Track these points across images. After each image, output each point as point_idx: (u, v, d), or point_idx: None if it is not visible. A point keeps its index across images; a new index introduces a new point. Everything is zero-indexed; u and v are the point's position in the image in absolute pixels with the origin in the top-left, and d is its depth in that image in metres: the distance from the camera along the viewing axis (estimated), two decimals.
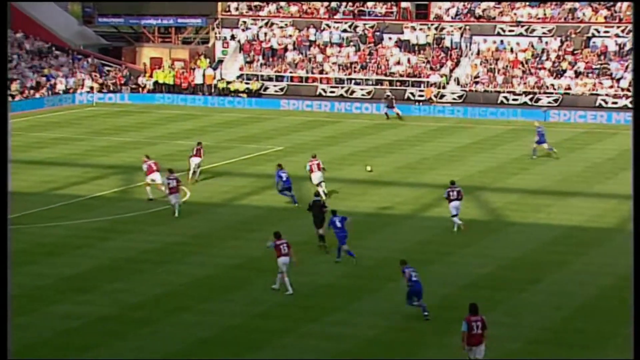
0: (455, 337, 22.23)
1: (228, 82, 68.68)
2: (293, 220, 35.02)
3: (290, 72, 68.67)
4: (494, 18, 68.96)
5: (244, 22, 72.69)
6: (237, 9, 74.19)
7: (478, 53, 67.22)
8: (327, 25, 71.21)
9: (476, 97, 64.32)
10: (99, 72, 70.48)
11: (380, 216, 36.13)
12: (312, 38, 70.58)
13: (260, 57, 70.36)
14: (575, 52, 65.31)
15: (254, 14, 73.70)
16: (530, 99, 63.14)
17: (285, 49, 70.24)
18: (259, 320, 25.16)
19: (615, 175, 43.47)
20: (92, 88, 68.14)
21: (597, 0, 67.75)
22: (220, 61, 71.51)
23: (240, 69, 70.31)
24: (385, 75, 66.71)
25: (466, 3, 69.95)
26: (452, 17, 69.86)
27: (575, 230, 34.46)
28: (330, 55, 69.10)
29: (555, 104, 62.40)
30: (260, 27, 72.32)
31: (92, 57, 72.77)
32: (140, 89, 70.02)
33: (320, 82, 67.72)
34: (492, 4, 69.79)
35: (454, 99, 64.72)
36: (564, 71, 64.15)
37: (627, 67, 62.38)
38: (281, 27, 71.94)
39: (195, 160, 41.83)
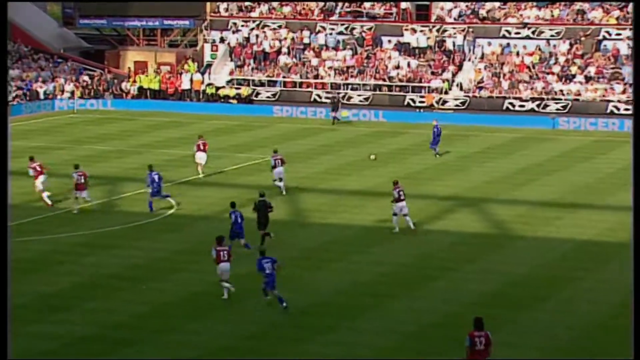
0: (458, 357, 22.10)
1: (217, 88, 68.64)
2: (287, 233, 34.90)
3: (284, 77, 68.66)
4: (499, 19, 69.02)
5: (234, 24, 72.71)
6: (226, 9, 74.22)
7: (482, 57, 67.26)
8: (322, 27, 71.27)
9: (480, 103, 64.33)
10: (79, 77, 70.36)
11: (378, 230, 36.03)
12: (306, 41, 70.61)
13: (252, 61, 70.38)
14: (585, 55, 65.38)
15: (245, 15, 73.73)
16: (538, 106, 63.16)
17: (278, 53, 70.24)
18: (251, 341, 25.00)
19: (628, 186, 43.38)
20: (72, 93, 68.07)
21: (609, 0, 67.87)
22: (209, 65, 71.50)
23: (230, 73, 70.30)
24: (384, 80, 66.73)
25: (469, 4, 70.05)
26: (454, 19, 69.94)
27: (586, 244, 34.40)
28: (325, 59, 69.13)
29: (564, 111, 62.44)
30: (252, 29, 72.36)
31: (72, 61, 72.72)
32: (124, 95, 69.95)
33: (315, 88, 67.72)
34: (497, 4, 69.89)
35: (457, 105, 64.72)
36: (574, 76, 64.20)
37: None
38: (274, 29, 71.98)
39: (201, 156, 43.89)
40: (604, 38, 66.10)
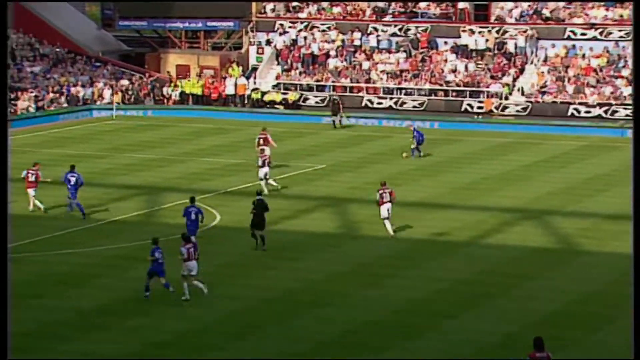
0: None
1: (263, 93, 68.99)
2: (335, 247, 35.00)
3: (333, 81, 68.83)
4: (564, 20, 68.70)
5: (281, 25, 73.03)
6: (273, 10, 74.57)
7: (545, 59, 66.99)
8: (374, 28, 71.36)
9: (543, 109, 64.04)
10: (119, 82, 70.97)
11: (434, 243, 36.02)
12: (357, 43, 70.74)
13: (299, 65, 70.64)
14: None
15: (293, 16, 74.04)
16: (605, 112, 62.76)
17: (327, 55, 70.44)
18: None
19: None
20: (112, 99, 68.68)
21: None
22: (255, 69, 71.87)
23: (277, 77, 70.62)
24: (440, 84, 66.67)
25: (532, 3, 69.79)
26: (515, 19, 69.72)
27: None
28: (377, 62, 69.22)
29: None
30: (300, 30, 72.63)
31: (111, 65, 73.43)
32: (165, 100, 70.53)
33: (367, 92, 67.81)
34: (561, 4, 69.57)
35: (518, 111, 64.48)
36: None
37: None
38: (323, 31, 72.20)
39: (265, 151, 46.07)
40: None
